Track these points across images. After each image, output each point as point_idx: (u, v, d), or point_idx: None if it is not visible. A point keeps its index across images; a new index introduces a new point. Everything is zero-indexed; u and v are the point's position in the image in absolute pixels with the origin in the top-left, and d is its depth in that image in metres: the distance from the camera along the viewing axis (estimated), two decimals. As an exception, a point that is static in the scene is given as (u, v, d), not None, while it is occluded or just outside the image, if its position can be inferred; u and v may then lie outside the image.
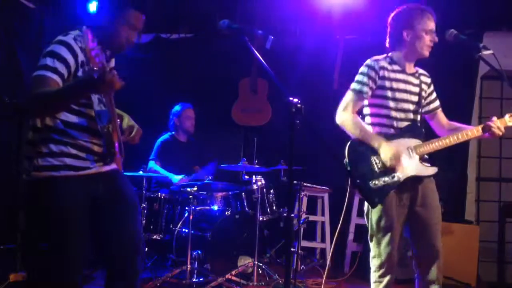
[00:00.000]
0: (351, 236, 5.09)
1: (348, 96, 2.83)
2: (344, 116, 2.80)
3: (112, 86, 1.96)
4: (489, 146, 5.70)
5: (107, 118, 2.21)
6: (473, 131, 2.81)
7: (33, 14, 4.66)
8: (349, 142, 2.80)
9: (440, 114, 2.98)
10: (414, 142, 2.77)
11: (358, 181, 2.76)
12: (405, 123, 2.80)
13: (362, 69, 2.83)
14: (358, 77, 2.83)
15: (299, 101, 2.00)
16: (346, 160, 2.78)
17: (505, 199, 5.56)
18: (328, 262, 3.41)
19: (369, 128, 2.82)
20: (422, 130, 2.85)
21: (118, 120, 2.40)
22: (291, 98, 2.00)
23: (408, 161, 2.73)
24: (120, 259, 2.35)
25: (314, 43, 5.46)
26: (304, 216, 4.73)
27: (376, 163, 2.71)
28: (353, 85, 2.83)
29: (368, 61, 2.83)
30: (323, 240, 5.38)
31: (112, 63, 2.45)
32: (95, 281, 4.10)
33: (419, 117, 2.86)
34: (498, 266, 5.15)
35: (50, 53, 2.14)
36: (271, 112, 5.50)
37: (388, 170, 2.68)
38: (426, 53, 2.80)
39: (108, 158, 2.28)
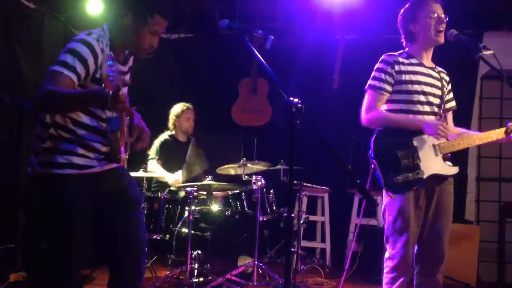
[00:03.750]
0: (351, 236, 5.09)
1: (369, 95, 2.81)
2: (370, 116, 2.77)
3: (120, 110, 1.97)
4: (489, 146, 5.69)
5: (118, 124, 2.20)
6: (496, 134, 2.76)
7: (33, 14, 4.66)
8: (374, 135, 2.76)
9: (450, 116, 2.95)
10: (439, 139, 2.73)
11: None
12: (431, 117, 2.76)
13: (378, 65, 2.81)
14: (375, 74, 2.80)
15: (299, 101, 2.00)
16: (370, 152, 2.74)
17: (505, 199, 5.57)
18: (347, 263, 3.39)
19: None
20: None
21: (128, 118, 2.38)
22: (291, 98, 2.00)
23: (433, 158, 2.71)
24: (124, 259, 2.34)
25: (314, 43, 5.46)
26: (304, 216, 4.73)
27: (401, 158, 2.68)
28: (371, 82, 2.80)
29: (383, 56, 2.82)
30: (323, 240, 5.38)
31: (130, 62, 2.43)
32: (95, 281, 4.10)
33: (441, 112, 2.83)
34: (498, 266, 5.16)
35: (72, 50, 2.10)
36: (271, 112, 5.50)
37: (413, 165, 2.66)
38: (439, 39, 2.76)
39: (112, 161, 2.28)
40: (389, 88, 2.76)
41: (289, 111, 1.99)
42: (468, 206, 5.34)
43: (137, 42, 2.24)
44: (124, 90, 2.40)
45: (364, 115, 2.79)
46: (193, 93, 5.51)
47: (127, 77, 2.43)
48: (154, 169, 4.73)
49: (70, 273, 2.22)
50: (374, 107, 2.77)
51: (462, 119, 5.18)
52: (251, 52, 2.20)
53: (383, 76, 2.76)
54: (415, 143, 2.71)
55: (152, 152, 4.89)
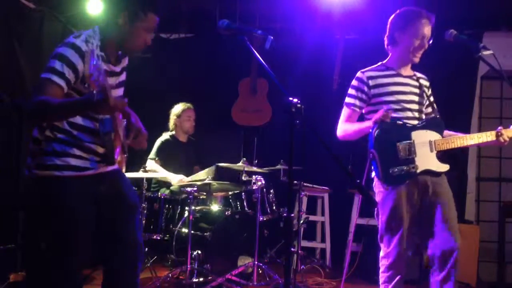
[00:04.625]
0: (351, 236, 5.09)
1: (343, 112, 2.96)
2: (339, 129, 2.95)
3: (113, 108, 1.96)
4: (489, 146, 5.68)
5: (110, 125, 2.20)
6: (487, 135, 2.83)
7: (33, 14, 4.65)
8: (375, 127, 2.77)
9: None
10: (436, 136, 2.79)
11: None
12: (416, 122, 2.81)
13: (352, 82, 2.92)
14: (348, 91, 2.93)
15: (299, 101, 2.00)
16: (370, 143, 2.77)
17: (505, 199, 5.56)
18: (346, 265, 3.37)
19: None
20: (443, 125, 2.86)
21: (125, 120, 2.38)
22: (291, 98, 2.00)
23: (428, 154, 2.75)
24: (120, 260, 2.34)
25: (314, 43, 5.45)
26: (304, 216, 4.73)
27: (399, 150, 2.72)
28: (345, 99, 2.94)
29: (357, 73, 2.91)
30: (323, 240, 5.38)
31: (124, 63, 2.42)
32: (95, 281, 4.10)
33: (424, 117, 2.89)
34: (498, 266, 5.15)
35: (60, 56, 2.11)
36: (271, 112, 5.50)
37: (408, 159, 2.71)
38: (415, 59, 2.83)
39: (107, 163, 2.28)
40: (360, 104, 2.89)
41: (289, 111, 2.00)
42: (468, 206, 5.34)
43: (132, 41, 2.26)
44: (120, 91, 2.41)
45: (337, 132, 2.97)
46: (193, 93, 5.51)
47: (121, 77, 2.42)
48: (156, 169, 4.73)
49: (71, 274, 2.22)
50: (342, 122, 2.94)
51: (462, 119, 5.18)
52: (251, 52, 2.20)
53: (354, 92, 2.90)
54: (413, 137, 2.75)
55: (152, 152, 4.89)
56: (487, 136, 2.83)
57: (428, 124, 2.80)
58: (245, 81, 5.64)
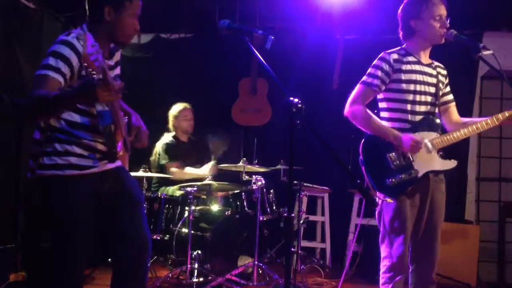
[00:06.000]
0: (351, 236, 5.09)
1: (358, 89, 2.80)
2: (353, 109, 2.76)
3: (112, 91, 1.94)
4: (489, 146, 5.70)
5: (110, 118, 2.20)
6: (493, 120, 2.72)
7: (33, 14, 4.66)
8: (363, 140, 2.77)
9: (453, 109, 2.92)
10: (430, 135, 2.73)
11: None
12: (421, 117, 2.75)
13: (375, 62, 2.79)
14: (370, 70, 2.79)
15: (299, 101, 2.00)
16: (360, 158, 2.76)
17: (505, 199, 5.57)
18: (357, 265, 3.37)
19: (384, 123, 2.78)
20: (438, 122, 2.80)
21: (126, 117, 2.38)
22: (291, 98, 2.00)
23: (427, 155, 2.70)
24: (129, 258, 2.35)
25: (314, 43, 5.45)
26: (304, 216, 4.73)
27: (391, 160, 2.69)
28: (365, 78, 2.79)
29: (381, 54, 2.80)
30: (323, 240, 5.38)
31: (117, 56, 2.42)
32: (95, 281, 4.10)
33: (437, 110, 2.82)
34: (498, 266, 5.16)
35: (53, 53, 2.13)
36: (271, 112, 5.50)
37: (405, 166, 2.67)
38: (440, 39, 2.74)
39: (110, 158, 2.28)
40: (381, 86, 2.75)
41: (289, 111, 1.99)
42: (468, 206, 5.34)
43: (123, 32, 2.27)
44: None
45: (348, 107, 2.79)
46: (193, 93, 5.51)
47: (116, 71, 2.42)
48: (185, 172, 4.74)
49: (71, 274, 2.23)
50: (359, 101, 2.76)
51: (462, 119, 5.19)
52: (251, 52, 2.20)
53: (378, 73, 2.75)
54: None
55: (161, 157, 4.87)
56: (487, 124, 2.73)
57: (420, 126, 2.73)
58: (245, 81, 5.64)
